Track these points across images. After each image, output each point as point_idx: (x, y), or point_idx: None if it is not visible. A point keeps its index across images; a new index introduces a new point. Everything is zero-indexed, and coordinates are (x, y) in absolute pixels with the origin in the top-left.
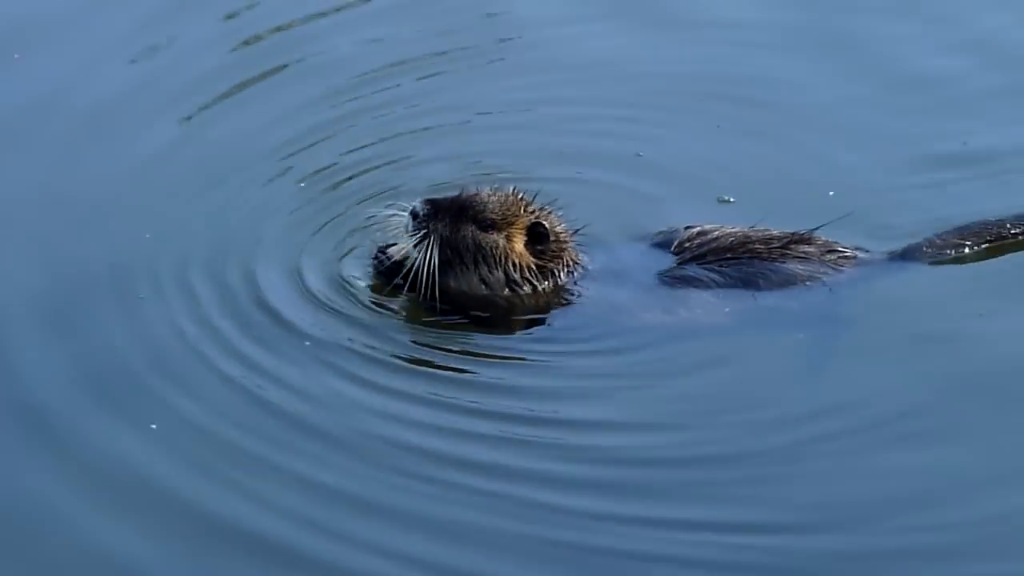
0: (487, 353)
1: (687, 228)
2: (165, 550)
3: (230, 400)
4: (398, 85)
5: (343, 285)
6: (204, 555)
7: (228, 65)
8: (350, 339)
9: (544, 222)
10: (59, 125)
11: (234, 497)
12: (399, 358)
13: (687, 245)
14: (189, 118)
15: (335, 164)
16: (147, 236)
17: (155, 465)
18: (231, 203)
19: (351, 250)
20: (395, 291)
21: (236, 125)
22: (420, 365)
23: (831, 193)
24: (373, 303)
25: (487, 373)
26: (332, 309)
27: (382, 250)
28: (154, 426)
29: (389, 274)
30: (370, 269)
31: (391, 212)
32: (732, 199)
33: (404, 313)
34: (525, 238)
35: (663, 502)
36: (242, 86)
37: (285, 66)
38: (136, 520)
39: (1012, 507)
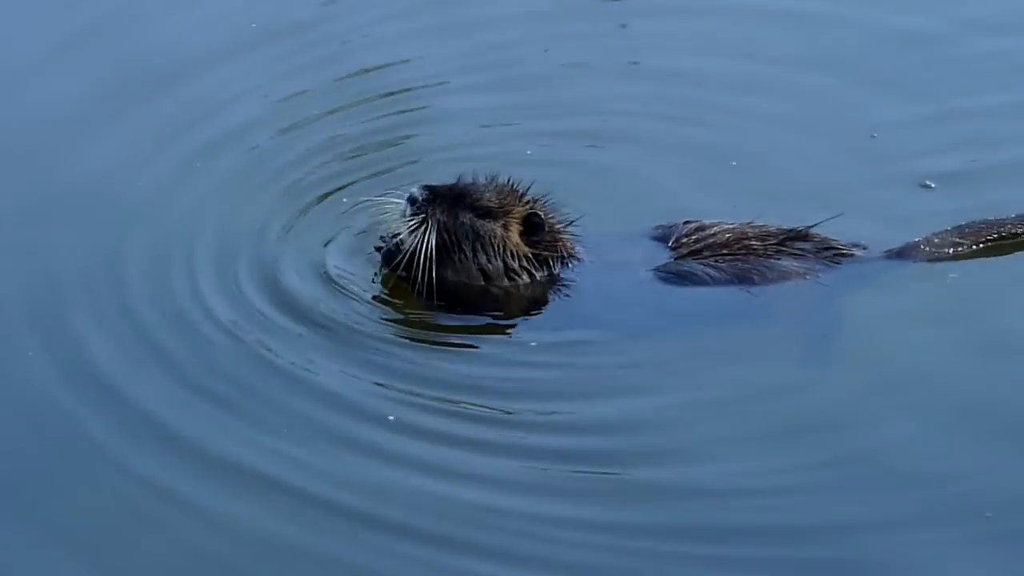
0: (481, 346)
1: (686, 223)
2: None
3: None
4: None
5: (338, 275)
6: None
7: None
8: (347, 329)
9: (540, 212)
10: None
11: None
12: (394, 346)
13: (684, 240)
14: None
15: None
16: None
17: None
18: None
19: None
20: (397, 279)
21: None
22: (413, 356)
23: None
24: (372, 293)
25: (481, 366)
26: (329, 298)
27: (386, 237)
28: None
29: (392, 261)
30: (374, 256)
31: (389, 198)
32: (933, 184)
33: (400, 303)
34: (521, 228)
35: (653, 498)
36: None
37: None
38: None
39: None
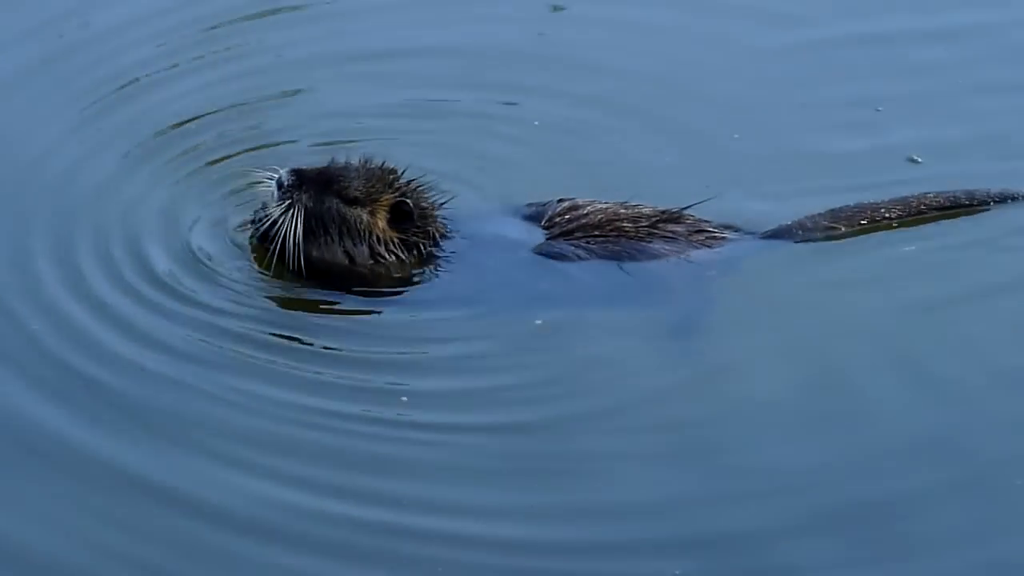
0: (346, 325)
1: (559, 201)
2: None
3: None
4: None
5: (206, 251)
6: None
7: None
8: (213, 306)
9: (409, 200)
10: None
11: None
12: (260, 325)
13: (557, 220)
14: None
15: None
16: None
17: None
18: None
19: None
20: (269, 256)
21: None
22: (279, 333)
23: None
24: (238, 269)
25: (344, 345)
26: (197, 274)
27: (257, 218)
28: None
29: (264, 239)
30: (248, 233)
31: (261, 180)
32: (920, 159)
33: (269, 280)
34: (389, 215)
35: (520, 479)
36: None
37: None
38: None
39: (878, 479)
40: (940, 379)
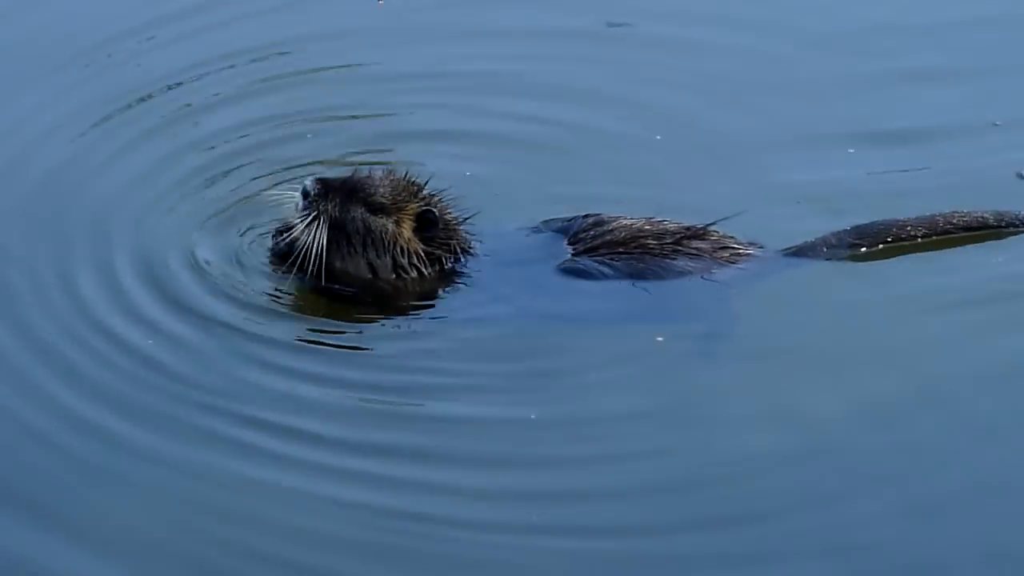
0: (366, 339)
1: (585, 217)
2: None
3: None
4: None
5: (235, 265)
6: None
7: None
8: (233, 322)
9: (434, 209)
10: None
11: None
12: (278, 341)
13: (582, 236)
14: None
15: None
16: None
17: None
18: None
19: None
20: (289, 271)
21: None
22: (299, 347)
23: None
24: (262, 285)
25: (362, 360)
26: (221, 291)
27: (280, 231)
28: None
29: (284, 255)
30: (268, 249)
31: (285, 191)
32: None
33: (290, 295)
34: (414, 224)
35: (543, 496)
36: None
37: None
38: None
39: (893, 494)
40: (958, 398)
